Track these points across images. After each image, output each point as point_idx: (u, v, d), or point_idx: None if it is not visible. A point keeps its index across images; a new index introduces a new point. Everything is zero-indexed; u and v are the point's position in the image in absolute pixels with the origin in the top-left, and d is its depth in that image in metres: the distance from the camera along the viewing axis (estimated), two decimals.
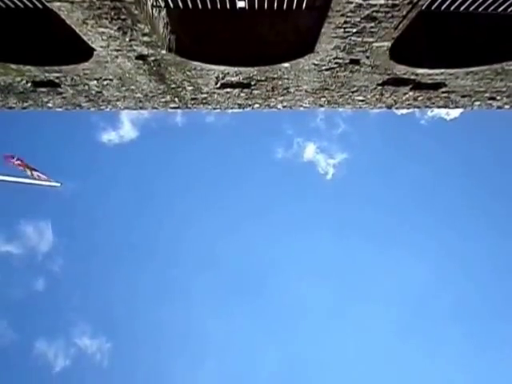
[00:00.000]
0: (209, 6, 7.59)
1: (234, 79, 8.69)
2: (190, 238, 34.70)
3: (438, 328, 32.51)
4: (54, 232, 32.74)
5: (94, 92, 9.33)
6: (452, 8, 7.70)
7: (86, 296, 33.12)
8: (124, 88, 9.14)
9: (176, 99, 9.54)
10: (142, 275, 35.22)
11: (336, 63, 8.01)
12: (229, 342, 32.32)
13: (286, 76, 8.58)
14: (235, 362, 31.44)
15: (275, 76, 8.57)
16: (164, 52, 7.68)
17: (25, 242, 32.40)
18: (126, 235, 35.51)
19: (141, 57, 7.84)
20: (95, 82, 8.87)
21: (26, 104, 9.72)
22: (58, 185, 14.27)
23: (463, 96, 9.14)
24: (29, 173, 13.50)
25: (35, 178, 13.48)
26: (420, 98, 9.27)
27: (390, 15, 6.36)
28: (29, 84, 8.98)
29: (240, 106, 9.73)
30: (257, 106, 9.72)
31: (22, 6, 7.65)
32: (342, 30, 6.83)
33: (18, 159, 13.42)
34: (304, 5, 7.41)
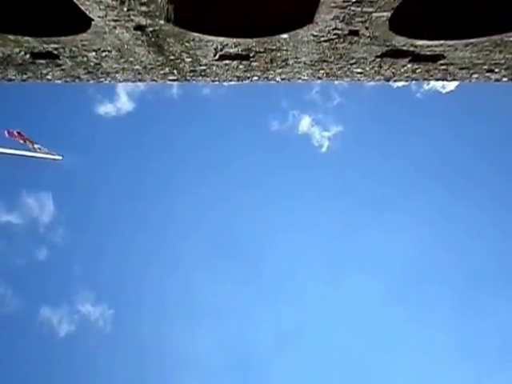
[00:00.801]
0: None
1: (233, 51, 8.68)
2: (186, 206, 35.24)
3: (426, 295, 33.36)
4: (55, 204, 33.15)
5: (92, 64, 9.32)
6: None
7: (88, 265, 34.01)
8: (123, 60, 9.13)
9: (175, 71, 9.55)
10: (141, 244, 36.05)
11: (335, 34, 8.00)
12: (224, 305, 33.36)
13: (284, 47, 8.57)
14: (231, 324, 32.60)
15: (274, 47, 8.56)
16: (162, 22, 7.66)
17: (26, 213, 32.80)
18: (125, 206, 36.14)
19: (139, 27, 7.82)
20: (94, 53, 8.87)
21: (25, 76, 9.72)
22: (59, 158, 14.31)
23: (461, 68, 9.15)
24: (30, 146, 13.50)
25: (37, 151, 13.51)
26: (418, 71, 9.27)
27: None
28: (27, 55, 8.97)
29: (239, 78, 9.74)
30: (255, 78, 9.73)
31: None
32: None
33: (19, 133, 13.39)
34: None
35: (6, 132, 13.29)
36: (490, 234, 34.04)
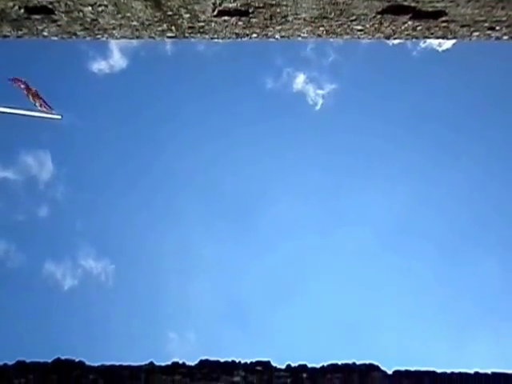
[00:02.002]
0: None
1: (232, 6, 8.55)
2: (181, 163, 35.35)
3: (413, 248, 34.35)
4: (54, 162, 32.93)
5: (89, 20, 9.17)
6: None
7: (89, 221, 34.56)
8: (119, 15, 8.99)
9: (173, 28, 9.41)
10: (140, 201, 36.52)
11: None
12: (220, 260, 34.30)
13: (284, 2, 8.45)
14: (226, 278, 33.75)
15: (273, 2, 8.44)
16: None
17: (25, 171, 32.66)
18: (123, 163, 36.22)
19: None
20: (90, 8, 8.71)
21: (20, 32, 9.57)
22: (59, 117, 14.13)
23: (462, 26, 9.06)
24: (31, 100, 13.31)
25: (37, 106, 13.34)
26: (419, 28, 9.18)
27: None
28: (22, 10, 8.80)
29: (238, 35, 9.62)
30: (254, 35, 9.62)
31: None
32: None
33: (24, 83, 13.15)
34: None
35: (12, 80, 13.01)
36: (479, 193, 34.54)
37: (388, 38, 9.46)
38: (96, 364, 9.40)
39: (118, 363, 9.49)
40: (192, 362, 9.69)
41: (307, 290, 33.47)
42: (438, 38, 9.32)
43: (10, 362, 9.29)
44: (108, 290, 32.63)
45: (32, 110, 13.28)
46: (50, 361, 9.38)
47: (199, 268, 35.13)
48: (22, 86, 12.94)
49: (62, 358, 9.44)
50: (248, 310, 34.23)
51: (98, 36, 9.67)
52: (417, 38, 9.31)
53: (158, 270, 34.77)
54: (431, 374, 9.94)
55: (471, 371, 10.13)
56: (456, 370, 10.18)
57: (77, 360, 9.44)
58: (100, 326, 31.80)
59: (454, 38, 9.23)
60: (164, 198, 36.21)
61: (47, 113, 13.61)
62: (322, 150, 36.78)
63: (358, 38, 9.36)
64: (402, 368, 10.06)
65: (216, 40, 9.53)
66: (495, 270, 32.40)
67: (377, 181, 35.80)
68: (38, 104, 13.18)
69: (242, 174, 35.49)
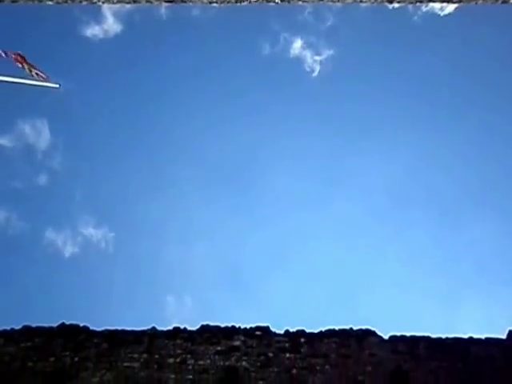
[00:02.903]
0: None
1: None
2: (179, 132, 32.89)
3: (409, 215, 33.84)
4: (51, 130, 30.75)
5: None
6: None
7: (88, 190, 33.33)
8: None
9: None
10: (138, 169, 34.77)
11: None
12: (216, 228, 34.32)
13: None
14: (222, 245, 34.27)
15: None
16: None
17: (22, 140, 30.67)
18: (120, 131, 33.62)
19: None
20: None
21: None
22: (57, 86, 11.91)
23: None
24: (27, 70, 11.08)
25: (33, 77, 11.17)
26: None
27: None
28: None
29: None
30: None
31: None
32: None
33: (18, 54, 10.87)
34: None
35: (4, 52, 10.74)
36: (475, 158, 32.12)
37: (391, 1, 6.92)
38: (100, 329, 9.69)
39: (121, 328, 9.78)
40: (192, 327, 9.99)
41: (304, 257, 33.60)
42: (443, 1, 6.83)
43: (17, 327, 9.59)
44: (108, 257, 33.38)
45: (29, 79, 11.21)
46: (55, 326, 9.66)
47: (196, 234, 35.15)
48: (15, 57, 10.56)
49: (67, 323, 9.70)
50: (245, 275, 35.17)
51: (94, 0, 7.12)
52: (421, 1, 6.82)
53: (155, 236, 34.92)
54: (426, 339, 10.22)
55: (465, 336, 10.40)
56: (450, 335, 10.45)
57: (81, 325, 9.70)
58: (101, 292, 33.22)
59: (460, 1, 6.74)
60: (162, 166, 34.22)
61: (45, 82, 11.43)
62: (319, 118, 33.60)
63: (361, 1, 6.82)
64: (398, 333, 10.32)
65: (213, 4, 7.02)
66: (490, 232, 31.79)
67: (374, 146, 33.28)
68: (34, 74, 10.98)
69: (238, 142, 33.31)
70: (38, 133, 30.94)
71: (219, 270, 33.96)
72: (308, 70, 31.67)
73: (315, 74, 31.41)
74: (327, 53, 32.07)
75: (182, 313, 31.91)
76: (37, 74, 10.93)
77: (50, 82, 11.22)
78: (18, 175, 31.38)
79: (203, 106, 34.48)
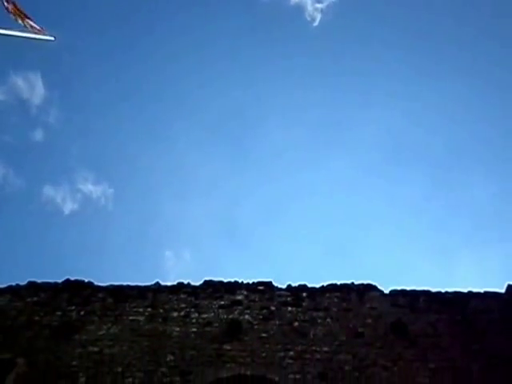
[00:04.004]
0: None
1: None
2: (176, 86, 31.58)
3: (403, 173, 33.15)
4: (45, 84, 29.33)
5: None
6: None
7: (85, 145, 32.32)
8: None
9: None
10: (135, 123, 33.64)
11: None
12: (213, 184, 33.81)
13: None
14: (220, 200, 33.84)
15: None
16: None
17: (16, 94, 29.36)
18: (116, 85, 32.09)
19: None
20: None
21: None
22: (52, 39, 11.29)
23: None
24: (20, 21, 10.45)
25: (28, 29, 10.55)
26: None
27: None
28: None
29: None
30: None
31: None
32: None
33: (12, 2, 10.21)
34: None
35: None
36: (470, 116, 31.04)
37: None
38: (104, 284, 9.82)
39: (125, 283, 9.91)
40: (190, 280, 10.10)
41: (301, 212, 33.61)
42: None
43: (22, 283, 9.71)
44: (108, 214, 32.97)
45: (23, 31, 10.57)
46: (60, 281, 9.77)
47: (194, 190, 34.69)
48: (10, 7, 9.88)
49: (72, 278, 9.81)
50: (243, 230, 35.01)
51: None
52: None
53: (154, 192, 34.28)
54: (426, 293, 10.38)
55: (465, 290, 10.56)
56: (450, 289, 10.61)
57: (86, 280, 9.82)
58: (101, 248, 32.97)
59: None
60: (159, 121, 33.20)
61: (39, 34, 10.79)
62: (319, 70, 32.04)
63: None
64: (399, 287, 10.46)
65: None
66: (485, 189, 31.36)
67: (371, 100, 31.98)
68: (28, 26, 10.33)
69: (236, 97, 32.07)
70: (32, 87, 30.16)
71: (217, 225, 34.12)
72: (309, 19, 30.42)
73: (316, 23, 30.20)
74: (329, 0, 30.78)
75: (181, 267, 32.46)
76: (31, 26, 10.51)
77: (44, 34, 10.80)
78: (12, 130, 30.85)
79: (200, 59, 33.57)
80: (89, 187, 31.95)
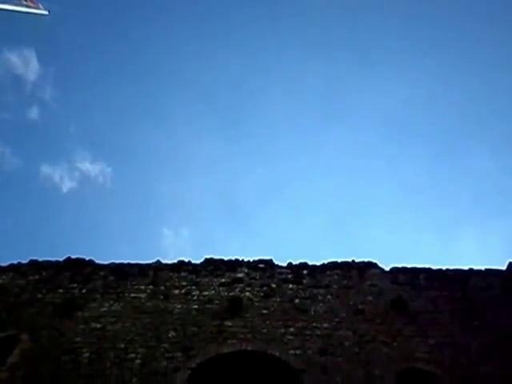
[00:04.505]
0: None
1: None
2: (171, 62, 30.90)
3: (406, 145, 32.54)
4: (39, 60, 28.49)
5: None
6: None
7: (82, 123, 31.82)
8: None
9: None
10: (131, 101, 32.95)
11: None
12: (212, 161, 33.40)
13: None
14: (219, 178, 33.41)
15: None
16: None
17: (10, 70, 28.59)
18: (111, 60, 31.17)
19: None
20: None
21: None
22: (46, 13, 10.93)
23: None
24: None
25: (22, 2, 10.19)
26: None
27: None
28: None
29: None
30: None
31: None
32: None
33: None
34: None
35: None
36: (473, 90, 30.30)
37: None
38: (106, 262, 9.85)
39: (125, 261, 9.93)
40: (189, 258, 10.10)
41: (302, 189, 33.31)
42: None
43: (23, 261, 9.74)
44: (106, 192, 32.70)
45: (16, 5, 10.21)
46: (61, 259, 9.80)
47: (192, 167, 34.14)
48: None
49: (73, 257, 9.84)
50: (241, 207, 34.71)
51: None
52: None
53: (152, 170, 33.73)
54: (427, 270, 10.39)
55: (466, 267, 10.56)
56: (451, 267, 10.61)
57: (87, 259, 9.85)
58: (100, 226, 32.78)
59: None
60: (156, 96, 32.42)
61: (33, 8, 10.41)
62: (316, 42, 31.20)
63: None
64: (399, 265, 10.48)
65: None
66: (487, 164, 30.87)
67: (374, 71, 31.17)
68: (22, 0, 9.99)
69: (232, 69, 31.29)
70: (26, 63, 29.66)
71: (215, 202, 33.95)
72: None
73: None
74: None
75: (179, 244, 32.53)
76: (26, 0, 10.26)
77: (39, 8, 10.55)
78: (8, 108, 30.41)
79: (196, 32, 32.85)
80: (86, 166, 31.89)
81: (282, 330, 8.44)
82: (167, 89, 31.69)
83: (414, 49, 31.28)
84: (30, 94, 29.33)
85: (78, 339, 8.23)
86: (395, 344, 8.18)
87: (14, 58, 28.46)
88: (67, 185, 31.01)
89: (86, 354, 7.98)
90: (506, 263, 10.35)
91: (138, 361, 7.77)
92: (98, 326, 8.47)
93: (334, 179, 32.06)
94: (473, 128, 30.25)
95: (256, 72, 31.24)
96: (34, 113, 30.00)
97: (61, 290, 9.13)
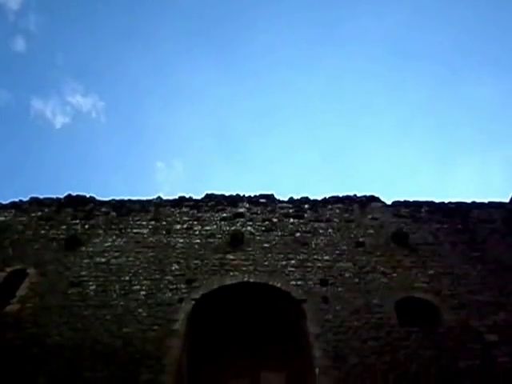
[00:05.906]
0: None
1: None
2: None
3: (408, 71, 30.65)
4: None
5: None
6: None
7: (70, 54, 29.57)
8: None
9: None
10: (121, 27, 30.32)
11: None
12: (203, 90, 31.62)
13: None
14: (210, 106, 31.78)
15: None
16: None
17: None
18: None
19: None
20: None
21: None
22: None
23: None
24: None
25: None
26: None
27: None
28: None
29: None
30: None
31: None
32: None
33: None
34: None
35: None
36: (476, 14, 27.80)
37: None
38: (107, 198, 9.82)
39: (121, 196, 9.91)
40: (183, 191, 10.12)
41: (299, 118, 31.53)
42: None
43: (24, 199, 9.72)
44: (101, 126, 31.20)
45: None
46: (62, 196, 9.77)
47: (183, 97, 32.26)
48: None
49: (73, 194, 9.79)
50: (235, 138, 33.18)
51: None
52: None
53: (144, 102, 31.78)
54: (429, 203, 10.37)
55: (468, 200, 10.52)
56: (453, 200, 10.57)
57: (87, 195, 9.81)
58: (95, 162, 31.53)
59: None
60: (145, 25, 29.61)
61: None
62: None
63: None
64: (401, 198, 10.43)
65: None
66: (489, 90, 29.12)
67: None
68: None
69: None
70: None
71: (208, 134, 33.39)
72: None
73: None
74: None
75: (173, 177, 32.48)
76: None
77: None
78: None
79: None
80: (78, 99, 31.10)
81: (284, 263, 8.56)
82: (156, 18, 30.09)
83: None
84: (14, 24, 27.89)
85: (83, 273, 8.39)
86: (395, 275, 8.30)
87: None
88: (60, 120, 30.50)
89: (93, 287, 8.16)
90: (510, 196, 10.30)
91: (143, 292, 7.96)
92: (103, 260, 8.60)
93: (330, 104, 31.24)
94: (475, 51, 28.95)
95: (246, 1, 29.65)
96: (19, 44, 28.67)
97: (64, 227, 9.20)
